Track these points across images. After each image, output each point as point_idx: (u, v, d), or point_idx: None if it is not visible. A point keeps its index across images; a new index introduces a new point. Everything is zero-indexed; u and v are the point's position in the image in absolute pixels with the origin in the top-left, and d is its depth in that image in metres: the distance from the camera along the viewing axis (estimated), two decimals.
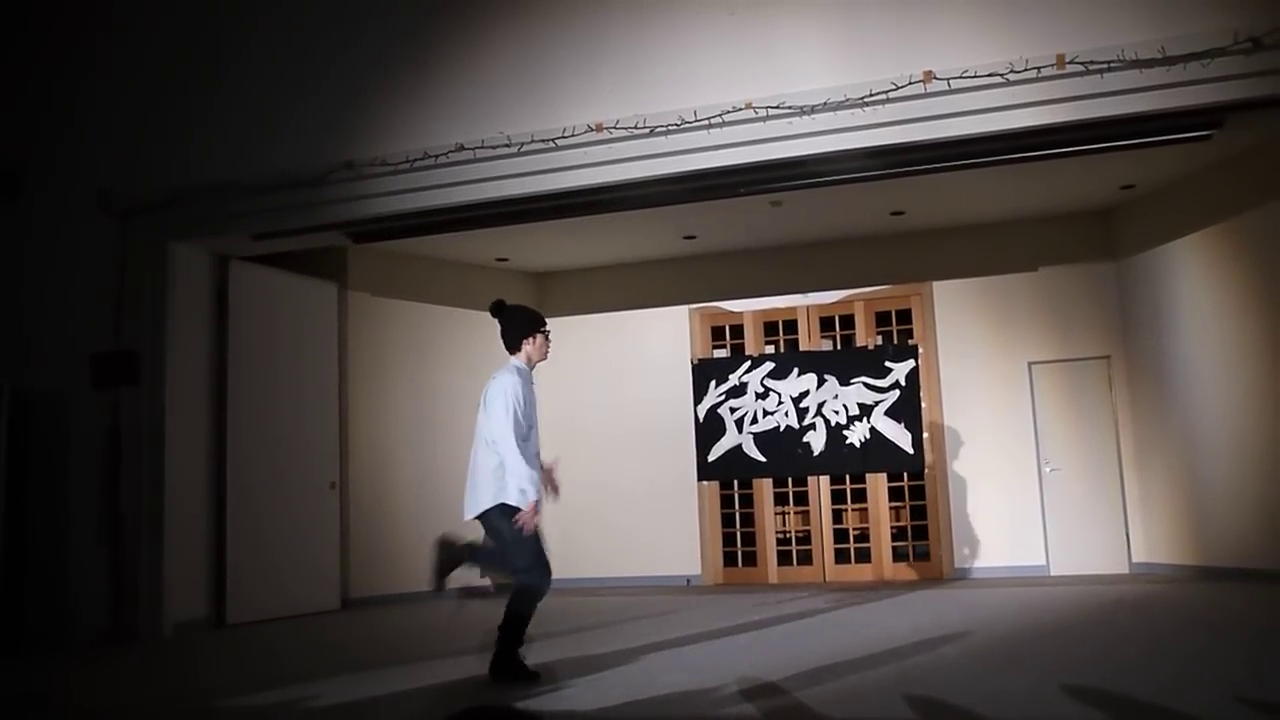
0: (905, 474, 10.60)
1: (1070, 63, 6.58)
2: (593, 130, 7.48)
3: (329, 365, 9.98)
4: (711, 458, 11.00)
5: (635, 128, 7.40)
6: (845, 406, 10.62)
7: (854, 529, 10.87)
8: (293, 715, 4.91)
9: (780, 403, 10.83)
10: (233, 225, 8.51)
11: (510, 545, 5.14)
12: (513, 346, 5.44)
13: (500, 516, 5.13)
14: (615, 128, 7.44)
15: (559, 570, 11.86)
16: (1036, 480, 10.26)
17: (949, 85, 6.82)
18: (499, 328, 5.47)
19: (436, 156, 7.79)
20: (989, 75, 6.72)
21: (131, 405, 8.32)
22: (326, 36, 8.40)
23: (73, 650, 7.79)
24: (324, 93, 8.29)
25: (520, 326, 5.44)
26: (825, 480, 10.83)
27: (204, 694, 5.60)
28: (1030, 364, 10.40)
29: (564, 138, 7.52)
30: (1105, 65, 6.52)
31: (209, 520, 8.70)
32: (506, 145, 7.65)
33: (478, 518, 5.26)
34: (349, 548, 9.85)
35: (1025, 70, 6.66)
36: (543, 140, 7.57)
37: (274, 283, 9.50)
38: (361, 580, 9.91)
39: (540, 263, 11.59)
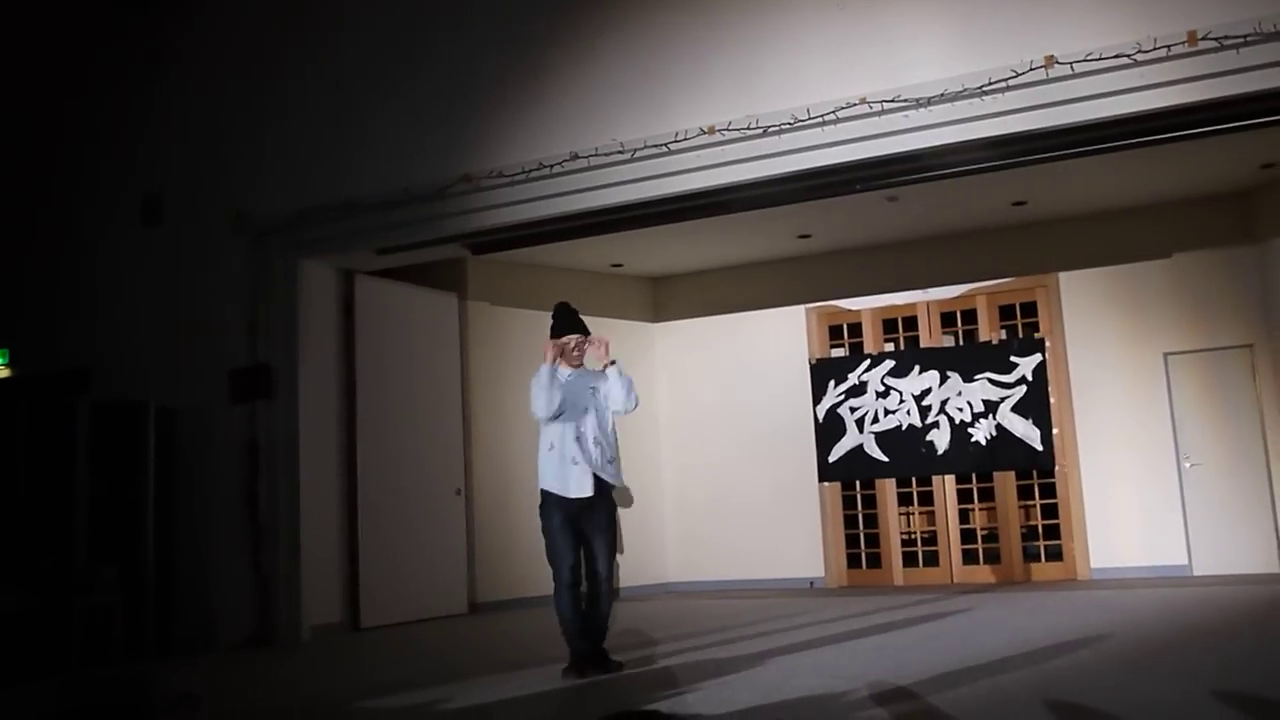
0: (1035, 471, 10.28)
1: (1203, 39, 6.27)
2: (705, 133, 7.46)
3: (451, 374, 10.20)
4: (832, 458, 10.87)
5: (748, 128, 7.35)
6: (969, 403, 10.37)
7: (982, 529, 10.58)
8: (430, 717, 5.03)
9: (902, 401, 10.64)
10: (357, 241, 8.79)
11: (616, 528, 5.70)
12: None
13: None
14: (727, 129, 7.41)
15: (679, 573, 11.77)
16: (1176, 476, 9.80)
17: (1072, 69, 6.58)
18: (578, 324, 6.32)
19: (551, 166, 7.89)
20: (1115, 57, 6.46)
21: (267, 418, 8.65)
22: (439, 54, 8.58)
23: (218, 652, 8.14)
24: (440, 108, 8.48)
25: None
26: (950, 479, 10.57)
27: (345, 696, 5.78)
28: (1166, 355, 9.96)
29: (676, 141, 7.52)
30: (1242, 39, 6.19)
31: (341, 527, 8.98)
32: (620, 152, 7.69)
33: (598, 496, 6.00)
34: (475, 552, 10.04)
35: (1154, 50, 6.37)
36: (655, 145, 7.59)
37: (397, 295, 9.77)
38: (488, 584, 10.08)
39: (655, 267, 11.62)
